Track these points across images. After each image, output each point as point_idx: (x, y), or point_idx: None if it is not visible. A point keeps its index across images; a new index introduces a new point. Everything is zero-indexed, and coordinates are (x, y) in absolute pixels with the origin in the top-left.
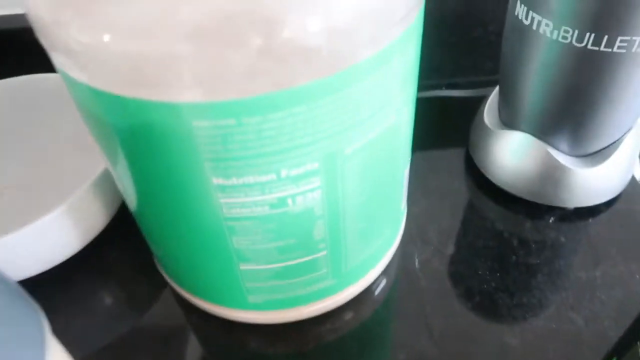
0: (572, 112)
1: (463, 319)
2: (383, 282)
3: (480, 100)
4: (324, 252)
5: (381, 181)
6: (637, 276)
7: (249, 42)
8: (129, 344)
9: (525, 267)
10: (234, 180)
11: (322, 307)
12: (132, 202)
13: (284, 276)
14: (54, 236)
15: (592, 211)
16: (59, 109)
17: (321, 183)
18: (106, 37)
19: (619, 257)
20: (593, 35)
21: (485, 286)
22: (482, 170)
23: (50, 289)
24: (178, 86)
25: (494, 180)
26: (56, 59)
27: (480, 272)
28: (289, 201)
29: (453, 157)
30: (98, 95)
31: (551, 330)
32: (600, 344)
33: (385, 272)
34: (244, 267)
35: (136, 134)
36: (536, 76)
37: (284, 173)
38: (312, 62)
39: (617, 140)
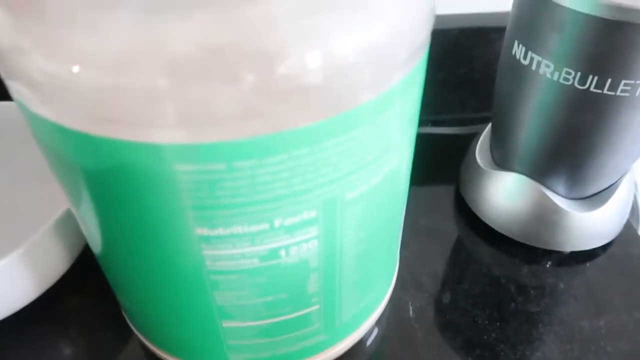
0: (570, 154)
1: None
2: (376, 333)
3: (467, 138)
4: (316, 307)
5: (381, 228)
6: None
7: (242, 78)
8: None
9: (526, 315)
10: (220, 231)
11: None
12: (97, 249)
13: (271, 333)
14: (8, 283)
15: (589, 255)
16: (17, 139)
17: (318, 232)
18: (75, 68)
19: (621, 305)
20: (596, 77)
21: (485, 337)
22: (475, 211)
23: (4, 341)
24: (159, 125)
25: (487, 222)
26: (14, 88)
27: (479, 322)
28: (282, 253)
29: (442, 197)
30: (63, 132)
31: None
32: None
33: (378, 322)
34: (226, 324)
35: (107, 178)
36: (534, 117)
37: (277, 222)
38: (312, 102)
39: (615, 183)
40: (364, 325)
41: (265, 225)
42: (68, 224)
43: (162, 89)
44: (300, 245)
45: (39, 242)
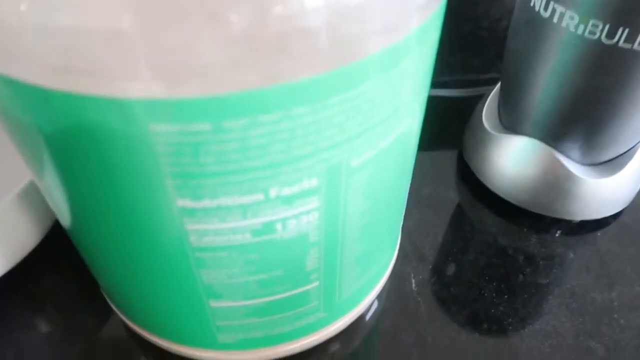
0: (589, 116)
1: (471, 351)
2: (376, 308)
3: (470, 101)
4: (315, 283)
5: (387, 198)
6: None
7: (228, 18)
8: None
9: (535, 287)
10: (206, 202)
11: (309, 343)
12: (67, 225)
13: (265, 313)
14: None
15: (599, 224)
16: None
17: (320, 203)
18: (23, 6)
19: (634, 276)
20: (627, 30)
21: (492, 310)
22: (480, 178)
23: None
24: (127, 77)
25: (493, 189)
26: None
27: (485, 295)
28: (278, 226)
29: (444, 163)
30: (12, 86)
31: None
32: None
33: (378, 296)
34: (214, 304)
35: (68, 142)
36: (551, 76)
37: (273, 192)
38: (314, 49)
39: (632, 148)
40: (365, 301)
41: (260, 196)
42: (36, 193)
43: (128, 31)
44: (299, 218)
45: (4, 212)
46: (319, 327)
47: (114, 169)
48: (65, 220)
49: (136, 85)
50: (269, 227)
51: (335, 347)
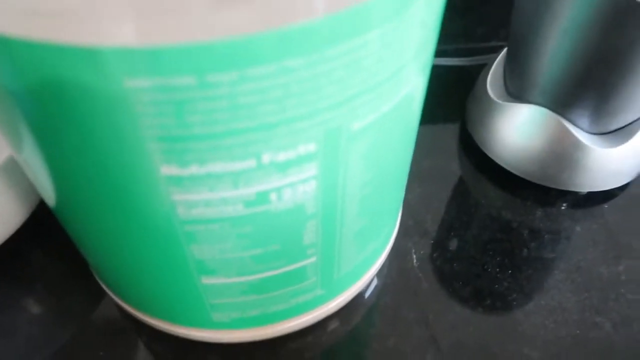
0: (601, 81)
1: (474, 327)
2: (376, 285)
3: (472, 70)
4: (313, 259)
5: (390, 167)
6: None
7: None
8: None
9: (540, 262)
10: (193, 169)
11: (306, 321)
12: (49, 201)
13: (260, 290)
14: None
15: (606, 196)
16: None
17: (318, 171)
18: None
19: None
20: None
21: (496, 286)
22: (483, 150)
23: None
24: (96, 19)
25: (497, 161)
26: None
27: (489, 270)
28: (273, 197)
29: (446, 134)
30: None
31: (576, 337)
32: (634, 352)
33: (378, 273)
34: (207, 281)
35: (39, 102)
36: (563, 36)
37: (267, 158)
38: None
39: None
40: (364, 278)
41: (252, 162)
42: (16, 171)
43: None
44: (295, 188)
45: None
46: (316, 305)
47: (90, 134)
48: (47, 194)
49: (108, 31)
50: (262, 197)
51: (334, 324)
